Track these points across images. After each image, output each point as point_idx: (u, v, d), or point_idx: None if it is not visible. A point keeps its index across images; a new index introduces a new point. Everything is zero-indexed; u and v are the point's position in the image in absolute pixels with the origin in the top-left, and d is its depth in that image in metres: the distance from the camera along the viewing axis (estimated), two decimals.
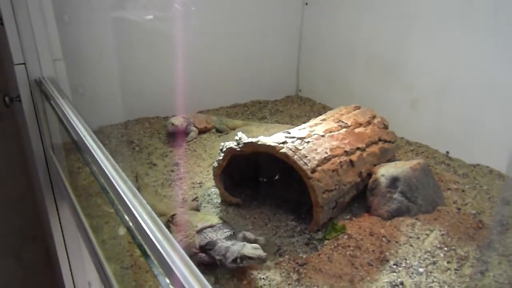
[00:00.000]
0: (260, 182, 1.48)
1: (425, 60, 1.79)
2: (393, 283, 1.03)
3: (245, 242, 1.04)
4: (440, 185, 1.49)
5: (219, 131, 1.90)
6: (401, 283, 1.03)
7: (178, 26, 2.06)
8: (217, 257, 1.03)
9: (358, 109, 1.60)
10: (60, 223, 1.90)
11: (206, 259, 1.06)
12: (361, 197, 1.36)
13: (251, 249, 1.01)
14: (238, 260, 1.00)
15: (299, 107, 2.31)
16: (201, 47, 2.12)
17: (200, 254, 1.07)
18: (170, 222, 1.18)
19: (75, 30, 1.78)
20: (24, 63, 1.56)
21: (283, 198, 1.37)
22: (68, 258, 2.00)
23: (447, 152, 1.76)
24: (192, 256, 1.07)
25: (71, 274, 2.05)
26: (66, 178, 1.59)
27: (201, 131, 1.88)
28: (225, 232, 1.10)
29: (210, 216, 1.20)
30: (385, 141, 1.47)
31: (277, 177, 1.51)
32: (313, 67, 2.40)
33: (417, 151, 1.80)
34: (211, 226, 1.12)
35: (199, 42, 2.11)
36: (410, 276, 1.06)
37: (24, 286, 2.39)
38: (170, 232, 1.07)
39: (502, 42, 1.52)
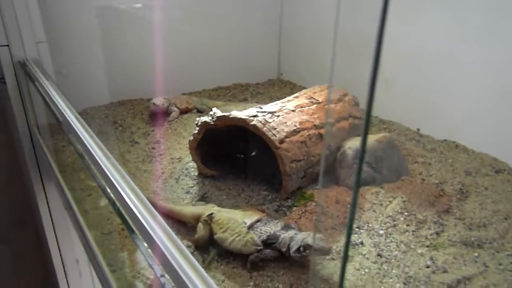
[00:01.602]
0: (237, 158, 1.55)
1: (396, 41, 1.86)
2: (354, 243, 1.11)
3: (310, 233, 1.04)
4: (408, 159, 1.58)
5: (200, 111, 1.97)
6: (361, 243, 1.11)
7: (162, 11, 2.10)
8: (283, 249, 1.02)
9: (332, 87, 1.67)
10: (47, 203, 1.96)
11: (272, 254, 1.03)
12: (332, 170, 1.44)
13: (316, 240, 1.00)
14: (301, 249, 0.99)
15: (279, 89, 2.38)
16: (184, 31, 2.17)
17: (264, 250, 1.03)
18: (205, 222, 1.12)
19: (57, 13, 1.82)
20: (7, 45, 1.60)
21: (257, 171, 1.45)
22: (56, 237, 2.07)
23: (418, 129, 1.84)
24: (253, 253, 1.04)
25: (60, 253, 2.12)
26: (51, 156, 1.65)
27: (183, 112, 1.94)
28: (277, 222, 1.08)
29: (250, 210, 1.16)
30: (355, 117, 1.55)
31: (253, 153, 1.59)
32: (294, 50, 2.47)
33: (390, 128, 1.88)
34: (258, 221, 1.09)
35: (183, 27, 2.17)
36: (371, 237, 1.14)
37: (14, 269, 2.44)
38: (213, 233, 1.09)
39: (469, 22, 1.59)
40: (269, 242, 1.04)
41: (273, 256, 1.03)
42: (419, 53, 1.77)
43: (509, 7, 1.46)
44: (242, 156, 1.54)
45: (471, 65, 1.61)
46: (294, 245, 1.01)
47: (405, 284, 0.98)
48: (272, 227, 1.06)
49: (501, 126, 1.56)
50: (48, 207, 1.97)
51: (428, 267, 1.04)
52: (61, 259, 2.14)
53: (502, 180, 1.43)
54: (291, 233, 1.04)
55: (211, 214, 1.12)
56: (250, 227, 1.07)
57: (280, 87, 2.42)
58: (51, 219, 2.01)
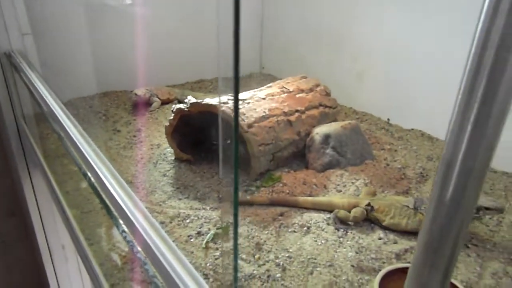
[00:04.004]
0: (211, 144, 1.63)
1: (369, 36, 1.96)
2: (316, 219, 1.20)
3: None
4: (376, 146, 1.67)
5: (180, 102, 2.03)
6: (323, 219, 1.20)
7: (146, 4, 2.17)
8: None
9: (305, 78, 1.76)
10: (34, 192, 2.03)
11: None
12: (302, 154, 1.53)
13: (487, 201, 1.09)
14: (474, 211, 1.10)
15: (260, 82, 2.44)
16: (168, 25, 2.25)
17: None
18: (370, 209, 1.18)
19: (43, 5, 1.89)
20: None
21: (230, 156, 1.53)
22: (43, 225, 2.14)
23: (388, 119, 1.94)
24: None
25: (46, 239, 2.19)
26: (36, 144, 1.72)
27: (164, 102, 2.02)
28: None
29: (395, 196, 1.27)
30: (326, 106, 1.64)
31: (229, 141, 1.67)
32: (275, 45, 2.55)
33: (362, 118, 1.97)
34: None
35: (167, 21, 2.24)
36: None
37: (5, 261, 2.50)
38: (381, 221, 1.16)
39: (436, 20, 1.68)
40: None
41: None
42: (391, 47, 1.87)
43: (470, 8, 1.56)
44: (215, 142, 1.63)
45: (438, 59, 1.71)
46: None
47: (357, 253, 1.07)
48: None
49: None
50: (35, 195, 2.04)
51: (380, 239, 1.13)
52: (48, 246, 2.21)
53: None
54: None
55: (369, 203, 1.19)
56: (417, 207, 1.15)
57: (261, 80, 2.50)
58: (38, 207, 2.08)
